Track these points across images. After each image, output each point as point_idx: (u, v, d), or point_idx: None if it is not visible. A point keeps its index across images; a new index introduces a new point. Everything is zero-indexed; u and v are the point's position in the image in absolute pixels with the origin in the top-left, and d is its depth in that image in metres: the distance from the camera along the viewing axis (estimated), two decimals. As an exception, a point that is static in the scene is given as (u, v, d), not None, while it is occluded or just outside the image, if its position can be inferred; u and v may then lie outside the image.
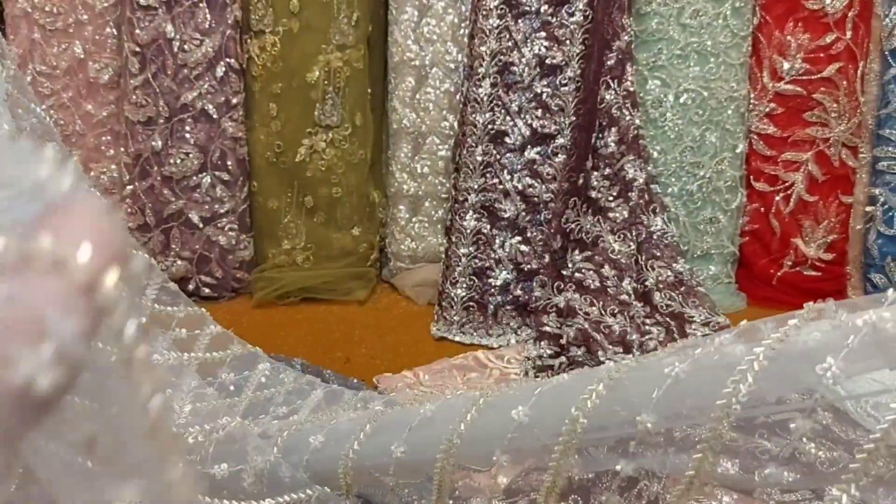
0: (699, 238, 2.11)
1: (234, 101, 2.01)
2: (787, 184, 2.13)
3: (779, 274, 2.14)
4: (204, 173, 2.02)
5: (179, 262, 2.04)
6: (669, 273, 1.92)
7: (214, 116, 2.00)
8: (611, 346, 1.69)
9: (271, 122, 2.03)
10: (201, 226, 2.03)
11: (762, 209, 2.14)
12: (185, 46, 1.95)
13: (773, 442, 1.51)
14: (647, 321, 1.82)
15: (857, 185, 2.20)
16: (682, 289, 1.92)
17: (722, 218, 2.11)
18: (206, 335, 1.36)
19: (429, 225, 2.11)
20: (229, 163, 2.03)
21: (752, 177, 2.14)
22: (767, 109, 2.10)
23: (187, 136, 2.00)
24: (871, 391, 0.84)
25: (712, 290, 2.04)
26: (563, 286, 1.84)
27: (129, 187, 2.02)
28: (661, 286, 1.89)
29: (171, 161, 2.01)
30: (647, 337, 1.78)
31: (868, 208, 2.20)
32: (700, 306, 1.89)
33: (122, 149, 2.03)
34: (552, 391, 0.94)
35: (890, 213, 2.17)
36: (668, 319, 1.84)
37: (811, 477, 1.42)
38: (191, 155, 2.01)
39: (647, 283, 1.88)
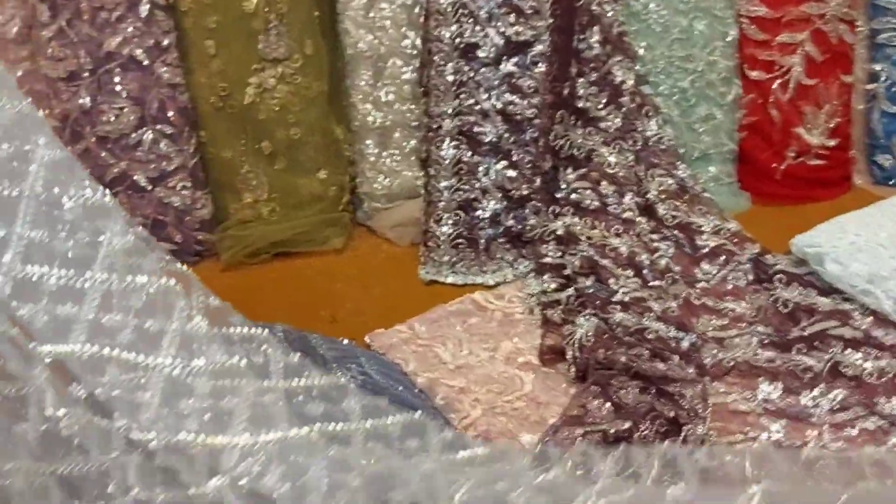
0: (696, 138, 1.95)
1: (166, 42, 1.77)
2: (784, 69, 1.96)
3: (782, 167, 2.00)
4: (144, 129, 1.80)
5: (131, 231, 1.83)
6: (671, 181, 1.76)
7: (145, 63, 1.76)
8: (621, 271, 1.54)
9: (211, 62, 1.79)
10: (150, 188, 1.82)
11: (759, 100, 1.98)
12: (99, -16, 1.70)
13: (814, 357, 1.39)
14: (654, 237, 1.67)
15: (857, 62, 2.04)
16: (687, 196, 1.76)
17: (718, 114, 1.95)
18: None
19: (402, 158, 1.91)
20: (170, 114, 1.80)
21: (746, 65, 1.97)
22: (757, -11, 1.91)
23: (118, 88, 1.77)
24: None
25: (714, 192, 1.88)
26: (559, 210, 1.68)
27: (61, 154, 1.79)
28: (663, 196, 1.73)
29: (104, 119, 1.78)
30: (657, 255, 1.63)
31: (870, 86, 2.05)
32: (707, 213, 1.74)
33: (46, 110, 1.78)
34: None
35: (893, 89, 2.02)
36: (675, 232, 1.69)
37: (860, 390, 1.31)
38: (125, 110, 1.78)
39: (648, 195, 1.72)
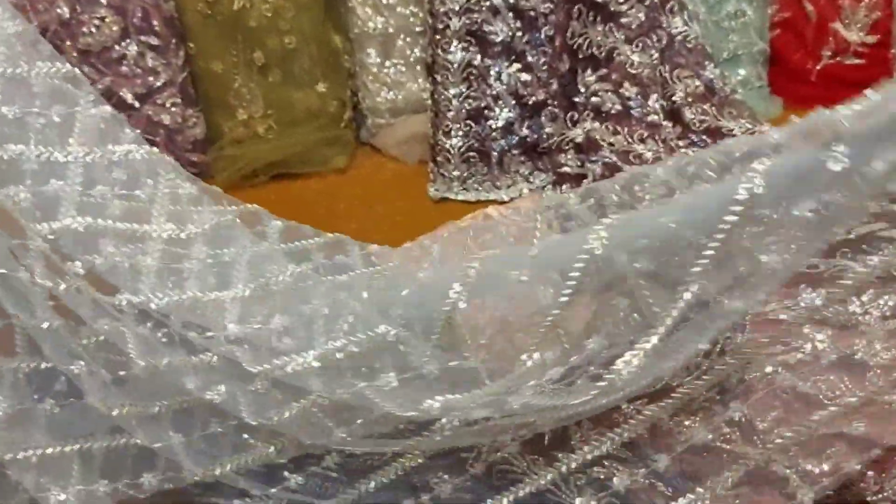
0: (723, 37, 1.80)
1: (145, -57, 1.63)
2: (820, -43, 1.80)
3: (817, 68, 1.85)
4: (127, 40, 1.67)
5: (120, 154, 1.72)
6: (698, 83, 1.62)
7: (124, -33, 1.62)
8: (646, 179, 1.42)
9: (195, -36, 1.65)
10: (137, 105, 1.71)
11: (793, -7, 1.83)
12: None
13: (861, 261, 1.27)
14: (681, 143, 1.55)
15: (900, -53, 1.88)
16: (715, 99, 1.63)
17: (748, 10, 1.80)
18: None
19: (406, 68, 1.78)
20: (155, 23, 1.67)
21: (778, -45, 1.81)
22: None
23: (97, -4, 1.64)
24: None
25: (743, 96, 1.74)
26: (577, 116, 1.55)
27: (40, 71, 1.67)
28: (690, 100, 1.60)
29: (85, 30, 1.65)
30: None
31: (914, -24, 1.89)
32: (738, 117, 1.61)
33: (22, 25, 1.65)
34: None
35: (940, -21, 1.86)
36: (704, 137, 1.56)
37: (914, 296, 1.20)
38: (107, 20, 1.65)
39: (674, 98, 1.59)
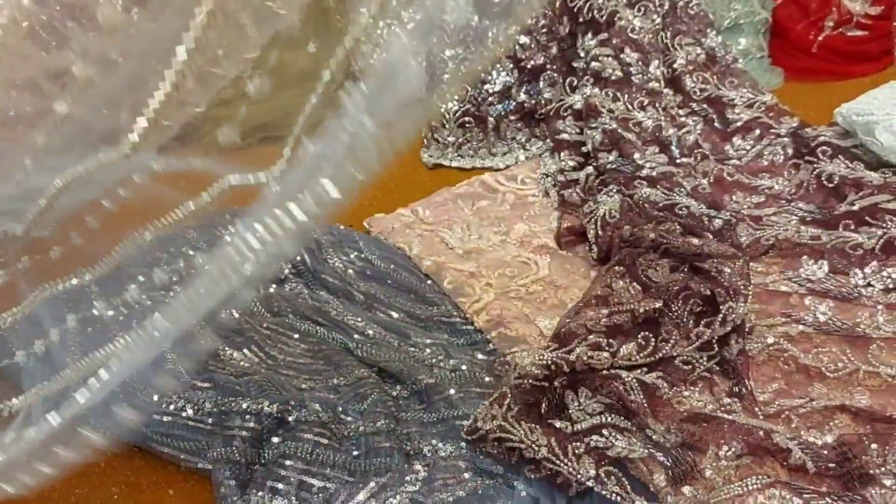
0: (725, 5, 1.76)
1: None
2: (825, -76, 1.76)
3: (819, 39, 1.81)
4: None
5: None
6: (699, 50, 1.58)
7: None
8: (645, 146, 1.39)
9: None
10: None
11: (797, -39, 1.79)
12: None
13: (864, 233, 1.25)
14: (682, 112, 1.51)
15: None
16: (716, 68, 1.59)
17: (751, -23, 1.76)
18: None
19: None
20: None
21: (783, -79, 1.77)
22: None
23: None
24: None
25: (743, 66, 1.70)
26: (577, 82, 1.51)
27: None
28: (691, 68, 1.56)
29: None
30: (683, 131, 1.47)
31: (919, -55, 1.85)
32: (739, 86, 1.57)
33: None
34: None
35: (945, -51, 1.82)
36: (705, 107, 1.53)
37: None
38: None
39: (675, 65, 1.55)
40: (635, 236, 1.20)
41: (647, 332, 1.02)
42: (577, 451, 0.92)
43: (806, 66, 1.82)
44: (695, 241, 1.18)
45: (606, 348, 1.00)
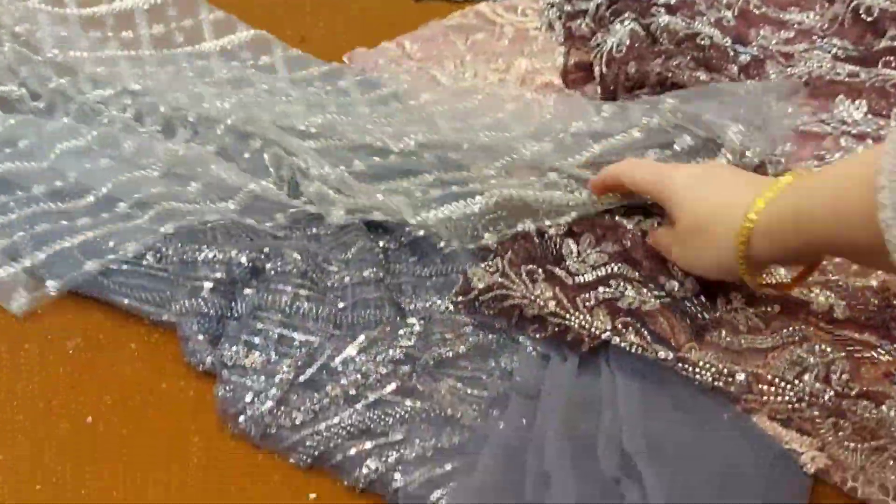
0: None
1: None
2: None
3: None
4: None
5: None
6: None
7: None
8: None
9: None
10: None
11: None
12: None
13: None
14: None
15: None
16: None
17: None
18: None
19: None
20: None
21: None
22: None
23: None
24: None
25: None
26: None
27: None
28: None
29: None
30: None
31: None
32: None
33: None
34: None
35: None
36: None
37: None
38: None
39: None
40: (640, 72, 1.07)
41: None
42: (587, 303, 0.82)
43: None
44: (703, 75, 1.05)
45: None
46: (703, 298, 0.84)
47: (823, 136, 1.05)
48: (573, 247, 0.89)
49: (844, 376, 0.74)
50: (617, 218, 0.91)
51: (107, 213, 0.93)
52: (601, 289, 0.84)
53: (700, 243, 0.77)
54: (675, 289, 0.84)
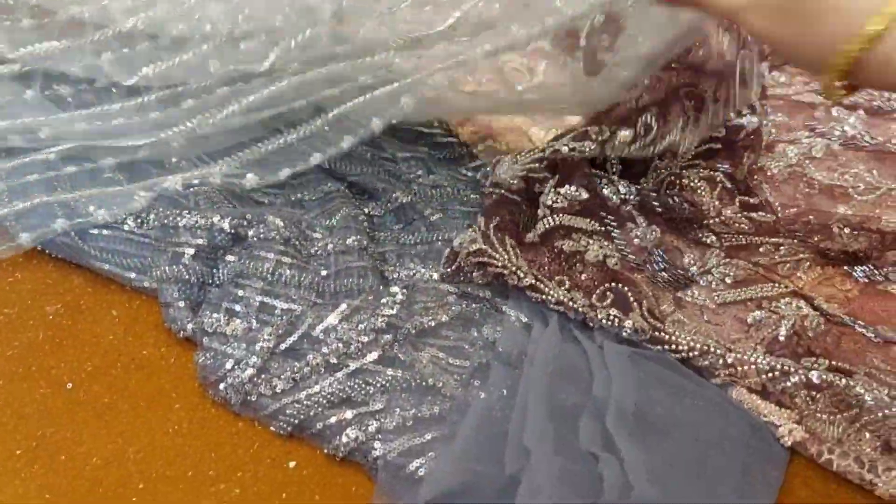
0: None
1: None
2: None
3: None
4: None
5: None
6: None
7: None
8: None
9: None
10: None
11: None
12: None
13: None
14: None
15: None
16: None
17: None
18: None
19: None
20: None
21: None
22: None
23: None
24: None
25: None
26: None
27: None
28: None
29: None
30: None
31: None
32: None
33: None
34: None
35: None
36: None
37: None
38: None
39: None
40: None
41: (648, 121, 0.88)
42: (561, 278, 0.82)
43: None
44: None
45: (594, 136, 0.86)
46: (682, 264, 0.84)
47: (815, 105, 1.04)
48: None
49: (821, 328, 0.76)
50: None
51: (87, 175, 0.91)
52: (564, 241, 0.83)
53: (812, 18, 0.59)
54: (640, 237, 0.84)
